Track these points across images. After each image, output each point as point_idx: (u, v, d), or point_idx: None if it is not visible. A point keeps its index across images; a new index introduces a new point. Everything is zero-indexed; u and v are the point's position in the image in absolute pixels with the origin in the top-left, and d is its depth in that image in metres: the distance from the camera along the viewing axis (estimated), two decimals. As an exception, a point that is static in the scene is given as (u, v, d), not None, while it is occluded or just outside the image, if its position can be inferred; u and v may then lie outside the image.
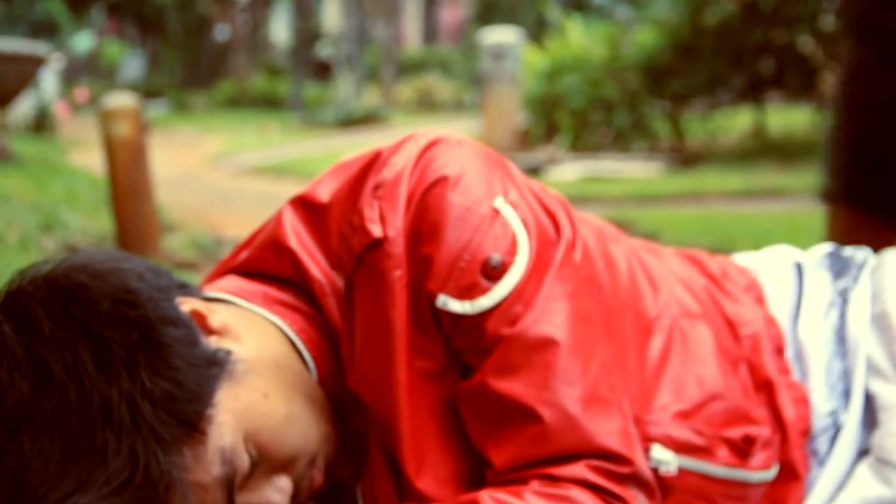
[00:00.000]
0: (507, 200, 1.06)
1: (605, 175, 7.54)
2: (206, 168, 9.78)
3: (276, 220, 1.13)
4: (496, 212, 1.05)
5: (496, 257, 1.03)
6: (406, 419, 1.04)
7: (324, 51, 21.43)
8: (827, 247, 1.38)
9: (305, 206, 1.12)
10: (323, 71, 20.10)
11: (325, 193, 1.10)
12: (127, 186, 3.43)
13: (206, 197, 6.48)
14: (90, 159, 7.07)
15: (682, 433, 1.14)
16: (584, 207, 5.58)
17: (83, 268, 0.96)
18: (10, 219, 3.53)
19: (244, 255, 1.15)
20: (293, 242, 1.10)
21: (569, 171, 7.69)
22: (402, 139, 1.11)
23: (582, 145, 8.96)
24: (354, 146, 10.77)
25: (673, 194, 6.30)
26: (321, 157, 9.39)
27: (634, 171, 7.75)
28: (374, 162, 1.08)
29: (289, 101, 18.65)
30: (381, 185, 1.05)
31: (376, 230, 1.03)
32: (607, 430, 1.02)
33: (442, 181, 1.04)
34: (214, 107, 20.11)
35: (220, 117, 17.78)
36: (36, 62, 5.30)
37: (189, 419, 0.94)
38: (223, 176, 8.94)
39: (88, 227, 3.75)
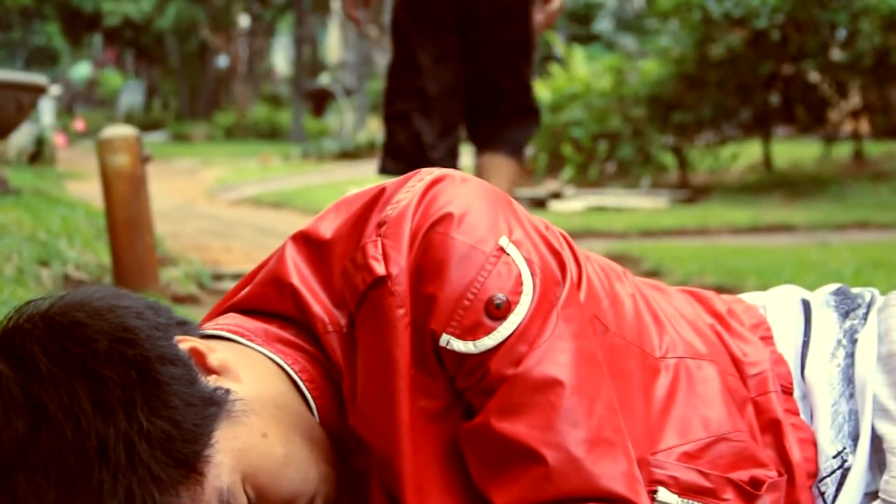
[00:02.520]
0: (511, 239, 1.05)
1: (609, 208, 7.54)
2: (206, 199, 9.80)
3: (278, 257, 1.12)
4: (501, 250, 1.04)
5: (500, 297, 1.02)
6: (408, 459, 1.03)
7: (323, 79, 21.52)
8: (834, 286, 1.37)
9: (308, 242, 1.11)
10: (322, 100, 20.18)
11: (327, 230, 1.10)
12: (125, 219, 3.41)
13: (206, 229, 6.49)
14: (88, 190, 7.08)
15: (688, 475, 1.12)
16: (589, 241, 5.58)
17: (81, 305, 0.95)
18: (6, 251, 3.53)
19: (245, 291, 1.14)
20: (295, 279, 1.09)
21: (573, 204, 7.70)
22: (406, 176, 1.10)
23: (586, 178, 8.97)
24: (356, 177, 10.81)
25: (678, 228, 6.29)
26: (322, 188, 9.40)
27: (639, 204, 7.76)
28: (377, 199, 1.07)
29: (290, 132, 18.73)
30: (385, 222, 1.04)
31: (380, 268, 1.03)
32: (612, 473, 1.01)
33: (446, 219, 1.04)
34: (214, 137, 20.20)
35: (219, 147, 17.85)
36: (35, 91, 5.32)
37: (186, 459, 0.93)
38: (223, 207, 8.96)
39: (86, 259, 3.74)
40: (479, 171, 3.59)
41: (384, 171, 3.55)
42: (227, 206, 9.10)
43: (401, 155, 3.50)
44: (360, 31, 3.81)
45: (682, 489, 1.11)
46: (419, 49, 3.43)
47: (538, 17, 3.52)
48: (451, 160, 3.49)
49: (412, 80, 3.46)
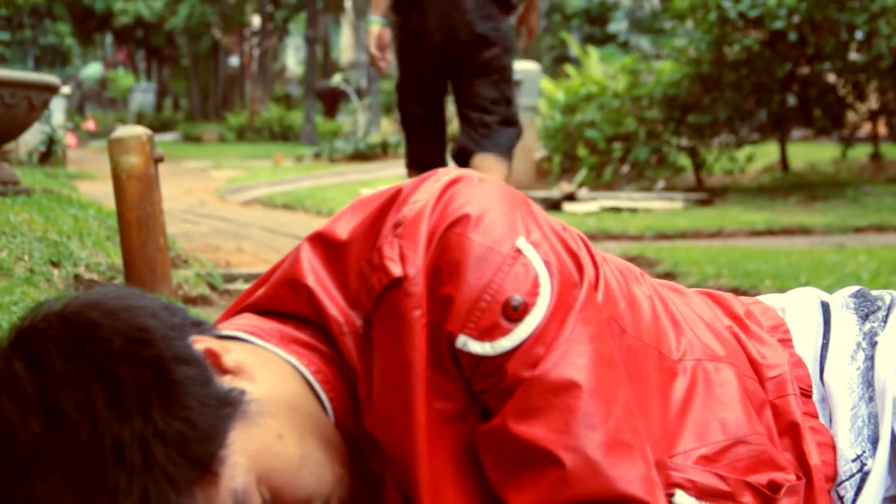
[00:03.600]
0: (529, 240, 1.05)
1: (624, 210, 7.52)
2: (217, 200, 9.81)
3: (294, 258, 1.12)
4: (518, 252, 1.03)
5: (517, 298, 1.01)
6: (424, 461, 1.02)
7: (335, 80, 21.54)
8: (853, 288, 1.36)
9: (324, 243, 1.11)
10: (334, 100, 20.21)
11: (343, 231, 1.09)
12: (137, 219, 3.40)
13: (217, 229, 6.50)
14: (99, 190, 7.10)
15: (706, 478, 1.11)
16: (603, 243, 5.57)
17: (96, 305, 0.95)
18: (17, 251, 3.54)
19: (261, 292, 1.14)
20: (310, 280, 1.09)
21: (587, 206, 7.68)
22: (422, 176, 1.09)
23: (601, 180, 8.95)
24: (368, 179, 10.81)
25: (694, 230, 6.27)
26: (334, 189, 9.41)
27: (654, 206, 7.73)
28: (394, 199, 1.07)
29: (301, 133, 18.76)
30: (402, 223, 1.04)
31: (396, 269, 1.02)
32: (629, 476, 1.00)
33: (463, 220, 1.03)
34: (225, 138, 20.26)
35: (231, 148, 17.90)
36: (47, 91, 5.33)
37: (201, 460, 0.92)
38: (234, 208, 8.97)
39: (97, 260, 3.75)
40: (475, 168, 3.86)
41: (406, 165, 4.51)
42: (239, 207, 9.11)
43: (407, 155, 4.43)
44: (382, 73, 4.50)
45: (700, 492, 1.10)
46: (410, 83, 4.26)
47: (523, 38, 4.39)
48: (436, 156, 4.32)
49: (407, 102, 4.32)
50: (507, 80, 4.22)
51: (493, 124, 4.16)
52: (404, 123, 4.41)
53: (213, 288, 3.98)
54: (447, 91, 4.33)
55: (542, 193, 7.97)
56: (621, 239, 6.05)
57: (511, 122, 4.21)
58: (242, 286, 4.06)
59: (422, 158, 4.30)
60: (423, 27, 4.11)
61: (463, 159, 4.20)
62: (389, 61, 4.27)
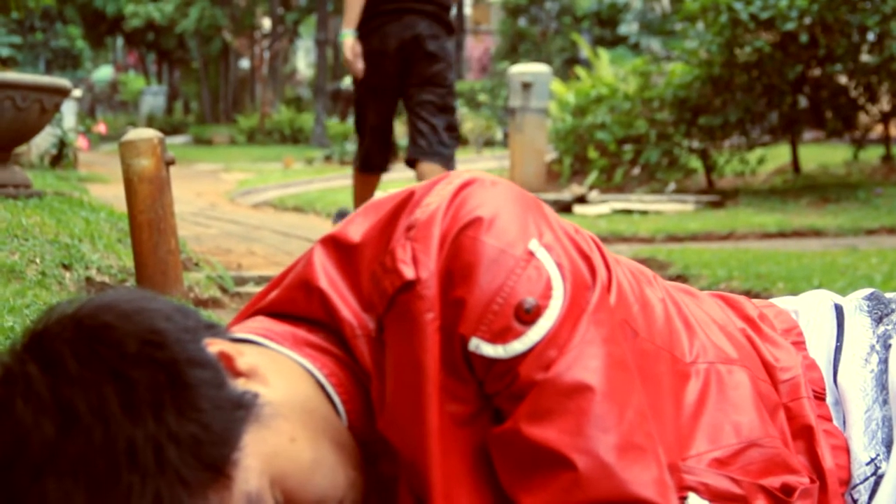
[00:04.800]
0: (541, 243, 1.05)
1: (635, 212, 7.51)
2: (228, 202, 9.83)
3: (307, 260, 1.12)
4: (530, 254, 1.03)
5: (530, 301, 1.01)
6: (437, 464, 1.02)
7: (344, 82, 21.57)
8: (867, 290, 1.35)
9: (336, 246, 1.11)
10: (346, 103, 20.22)
11: (356, 233, 1.09)
12: (148, 222, 3.40)
13: (228, 232, 6.50)
14: (110, 193, 7.12)
15: (719, 481, 1.11)
16: (615, 245, 5.56)
17: (110, 308, 0.95)
18: (29, 254, 3.54)
19: (273, 295, 1.14)
20: (323, 283, 1.09)
21: (598, 208, 7.67)
22: (435, 179, 1.09)
23: (612, 182, 8.94)
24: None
25: (705, 232, 6.26)
26: (345, 191, 9.41)
27: (665, 208, 7.72)
28: (406, 202, 1.07)
29: (312, 135, 18.76)
30: (414, 225, 1.04)
31: (409, 272, 1.02)
32: (643, 479, 1.00)
33: (476, 222, 1.03)
34: (236, 140, 20.29)
35: (241, 151, 17.91)
36: (58, 94, 5.34)
37: (215, 463, 0.92)
38: (245, 211, 8.98)
39: (109, 263, 3.75)
40: (418, 173, 4.92)
41: (353, 166, 5.21)
42: (250, 210, 9.12)
43: (357, 158, 5.13)
44: (358, 77, 5.05)
45: (713, 496, 1.10)
46: (368, 95, 4.98)
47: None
48: (380, 166, 5.10)
49: (363, 113, 5.05)
50: (452, 91, 5.02)
51: (439, 130, 4.89)
52: (361, 129, 5.08)
53: (223, 290, 3.98)
54: (398, 104, 5.07)
55: (552, 196, 7.96)
56: (632, 241, 6.04)
57: (454, 128, 5.00)
58: (253, 289, 4.06)
59: (370, 160, 5.07)
60: (383, 49, 4.83)
61: (412, 164, 4.94)
62: (362, 67, 4.89)
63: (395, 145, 5.25)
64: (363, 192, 5.23)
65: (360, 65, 4.91)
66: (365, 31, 4.92)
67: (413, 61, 4.87)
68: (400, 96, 4.98)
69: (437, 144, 4.85)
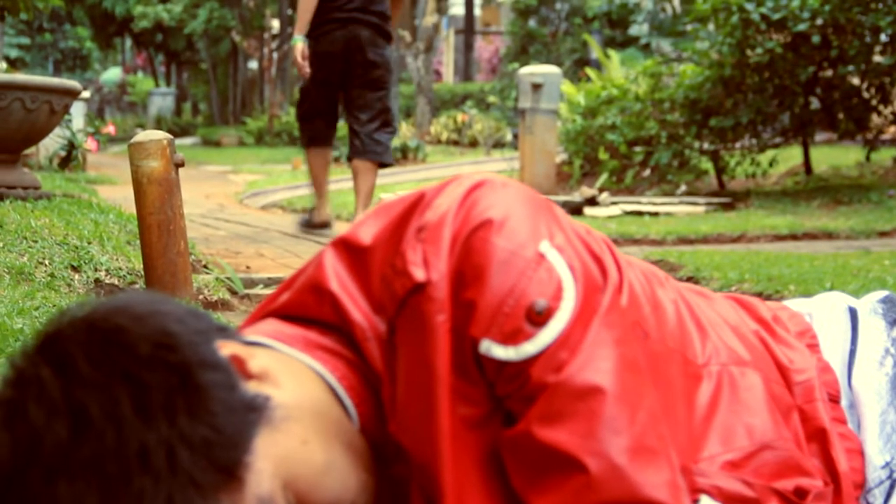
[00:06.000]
0: (552, 244, 1.04)
1: (646, 214, 7.49)
2: (236, 204, 9.82)
3: (317, 263, 1.12)
4: (541, 256, 1.03)
5: (541, 303, 1.01)
6: (448, 467, 1.02)
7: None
8: (881, 293, 1.35)
9: (347, 248, 1.11)
10: None
11: (367, 236, 1.09)
12: (158, 223, 3.40)
13: (237, 234, 6.50)
14: (118, 194, 7.13)
15: (731, 484, 1.11)
16: (625, 247, 5.54)
17: (122, 311, 0.94)
18: (38, 256, 3.55)
19: (284, 297, 1.14)
20: (334, 286, 1.09)
21: (609, 210, 7.66)
22: (445, 181, 1.09)
23: (622, 184, 8.92)
24: (387, 182, 10.77)
25: (716, 234, 6.24)
26: (353, 193, 9.38)
27: (676, 210, 7.70)
28: (417, 204, 1.07)
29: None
30: (425, 227, 1.04)
31: (419, 274, 1.02)
32: (655, 482, 1.00)
33: (486, 224, 1.03)
34: (244, 142, 20.28)
35: (250, 152, 17.91)
36: (68, 96, 5.34)
37: (227, 466, 0.92)
38: (253, 212, 8.98)
39: (118, 265, 3.76)
40: (354, 169, 5.94)
41: (301, 145, 6.31)
42: (258, 212, 9.12)
43: (305, 136, 6.13)
44: (304, 77, 6.03)
45: (726, 498, 1.09)
46: (317, 86, 5.90)
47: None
48: (329, 141, 6.11)
49: (310, 100, 5.99)
50: (388, 93, 5.93)
51: (372, 133, 5.83)
52: (308, 114, 6.03)
53: (233, 293, 3.98)
54: (340, 96, 6.01)
55: (562, 197, 7.94)
56: (642, 243, 6.03)
57: (389, 124, 5.88)
58: (262, 291, 4.06)
59: (321, 136, 6.02)
60: (331, 51, 5.77)
61: (351, 160, 5.96)
62: (309, 69, 5.81)
63: (336, 126, 6.19)
64: (318, 164, 6.11)
65: (307, 67, 5.81)
66: (316, 35, 5.81)
67: (354, 65, 5.78)
68: (342, 90, 5.92)
69: (371, 144, 5.81)
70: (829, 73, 8.04)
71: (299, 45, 5.84)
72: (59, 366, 0.91)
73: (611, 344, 1.03)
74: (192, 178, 11.23)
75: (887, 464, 1.19)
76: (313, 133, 6.04)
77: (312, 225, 6.32)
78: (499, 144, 14.12)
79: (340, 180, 11.63)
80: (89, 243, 3.84)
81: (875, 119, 8.46)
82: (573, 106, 9.75)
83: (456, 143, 15.63)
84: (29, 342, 0.96)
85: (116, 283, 3.63)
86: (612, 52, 11.77)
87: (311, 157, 6.12)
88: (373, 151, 5.83)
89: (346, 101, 5.95)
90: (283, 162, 15.30)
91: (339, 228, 6.92)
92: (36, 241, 3.69)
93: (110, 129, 12.18)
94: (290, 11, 22.80)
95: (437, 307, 1.01)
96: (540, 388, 1.00)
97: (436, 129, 16.12)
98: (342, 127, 6.41)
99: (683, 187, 8.64)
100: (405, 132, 15.84)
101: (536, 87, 8.30)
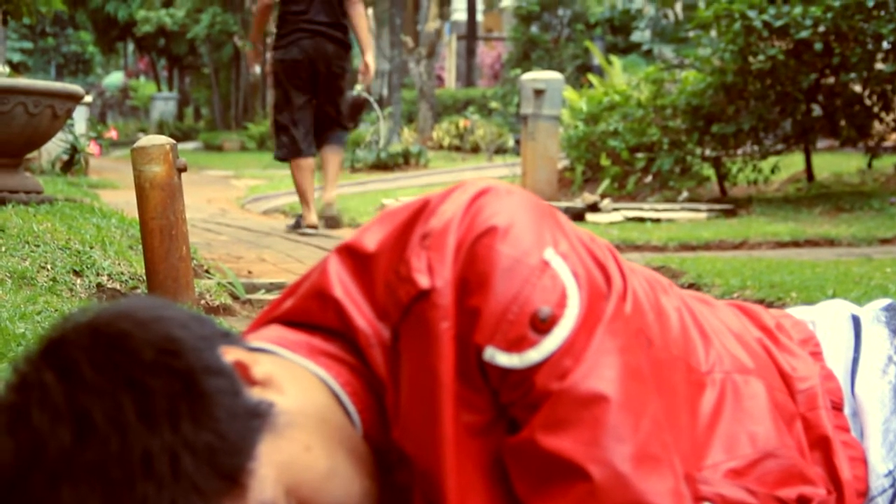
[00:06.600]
0: (557, 252, 1.04)
1: (647, 220, 7.49)
2: (238, 209, 9.82)
3: (321, 269, 1.12)
4: (546, 263, 1.03)
5: (545, 310, 1.01)
6: (452, 474, 1.01)
7: (355, 89, 21.58)
8: (884, 301, 1.35)
9: (351, 254, 1.11)
10: (356, 110, 20.19)
11: (371, 242, 1.09)
12: (160, 228, 3.39)
13: (239, 238, 6.50)
14: (121, 199, 7.13)
15: (735, 492, 1.10)
16: (627, 254, 5.54)
17: (127, 316, 0.94)
18: (40, 260, 3.54)
19: (288, 304, 1.14)
20: (338, 292, 1.09)
21: (611, 216, 7.66)
22: (450, 188, 1.09)
23: (624, 190, 8.92)
24: (389, 188, 10.75)
25: (718, 241, 6.23)
26: (355, 198, 9.39)
27: (678, 216, 7.70)
28: (421, 211, 1.07)
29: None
30: (429, 234, 1.04)
31: (424, 281, 1.02)
32: (658, 490, 0.99)
33: (491, 231, 1.03)
34: (247, 146, 20.27)
35: (252, 157, 17.88)
36: (70, 100, 5.34)
37: (230, 472, 0.92)
38: (255, 217, 8.98)
39: (120, 269, 3.75)
40: (322, 157, 6.91)
41: (277, 158, 6.88)
42: (260, 217, 9.12)
43: (285, 148, 6.68)
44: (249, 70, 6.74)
45: (729, 506, 1.09)
46: (291, 93, 6.61)
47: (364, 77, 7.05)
48: (310, 151, 6.69)
49: (288, 109, 6.63)
50: (345, 95, 6.91)
51: (337, 126, 6.83)
52: (285, 123, 6.62)
53: (234, 297, 3.98)
54: (313, 96, 6.74)
55: (564, 203, 7.94)
56: (644, 249, 6.02)
57: (345, 127, 6.98)
58: (264, 296, 4.05)
59: (302, 146, 6.59)
60: (300, 58, 6.52)
61: (318, 148, 6.82)
62: (259, 71, 7.78)
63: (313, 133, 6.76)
64: (301, 176, 6.61)
65: (257, 69, 7.52)
66: (286, 44, 6.56)
67: (320, 73, 6.56)
68: (311, 93, 6.65)
69: (334, 139, 6.84)
70: (832, 80, 8.04)
71: (249, 51, 7.24)
72: (62, 371, 0.91)
73: (615, 352, 1.03)
74: (194, 183, 11.22)
75: (890, 472, 1.19)
76: (294, 144, 6.60)
77: (300, 227, 6.85)
78: (501, 150, 14.11)
79: (342, 185, 11.65)
80: (91, 248, 3.84)
81: (877, 126, 8.45)
82: (575, 112, 9.75)
83: (458, 148, 15.62)
84: (32, 347, 0.96)
85: (118, 287, 3.63)
86: (614, 59, 11.78)
87: (294, 169, 6.67)
88: (337, 140, 6.90)
89: (315, 101, 6.74)
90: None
91: (344, 233, 6.93)
92: (38, 246, 3.69)
93: (112, 133, 12.19)
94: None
95: (441, 314, 1.01)
96: (544, 395, 1.00)
97: (438, 135, 16.13)
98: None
99: (685, 194, 8.63)
100: (407, 137, 15.83)
101: (538, 93, 8.30)
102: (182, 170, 3.45)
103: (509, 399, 1.02)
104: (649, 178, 8.92)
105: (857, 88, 8.11)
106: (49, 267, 3.54)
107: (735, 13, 7.78)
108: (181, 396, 0.91)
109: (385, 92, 20.53)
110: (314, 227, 6.68)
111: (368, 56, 6.92)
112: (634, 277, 1.14)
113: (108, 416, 0.89)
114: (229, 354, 0.99)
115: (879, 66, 7.88)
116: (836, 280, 3.97)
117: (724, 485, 1.10)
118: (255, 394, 0.98)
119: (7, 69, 8.73)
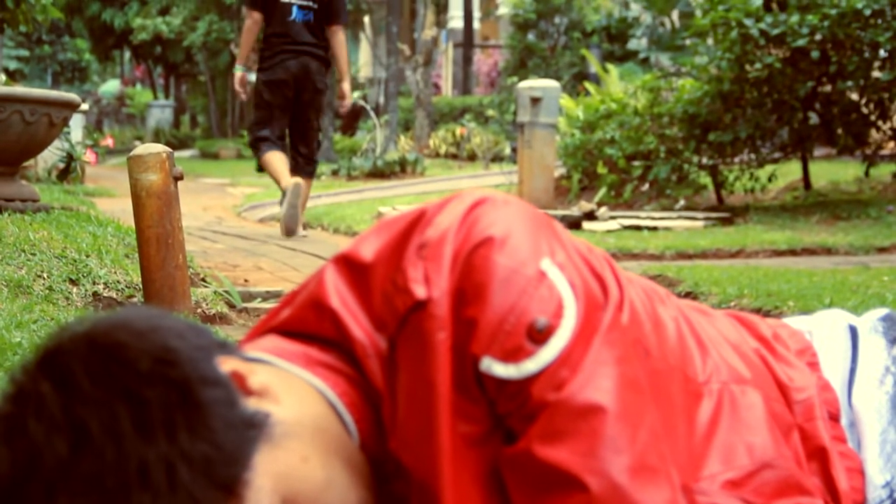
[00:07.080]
0: (553, 262, 1.04)
1: (644, 229, 7.49)
2: (235, 217, 9.81)
3: (318, 279, 1.12)
4: (542, 274, 1.03)
5: (542, 320, 1.01)
6: (449, 485, 1.01)
7: (354, 96, 21.53)
8: (882, 311, 1.35)
9: (348, 265, 1.10)
10: (353, 118, 20.17)
11: (368, 252, 1.09)
12: (156, 236, 3.39)
13: (235, 247, 6.49)
14: (117, 207, 7.12)
15: (732, 503, 1.10)
16: (624, 262, 5.54)
17: (123, 326, 0.94)
18: (36, 269, 3.54)
19: (285, 314, 1.14)
20: (335, 302, 1.09)
21: (607, 224, 7.66)
22: (447, 198, 1.09)
23: (621, 198, 8.92)
24: (386, 196, 10.75)
25: (715, 249, 6.23)
26: (353, 206, 9.38)
27: (675, 224, 7.70)
28: (418, 221, 1.07)
29: (319, 150, 18.70)
30: (426, 244, 1.04)
31: (420, 291, 1.02)
32: (655, 501, 0.99)
33: (488, 242, 1.03)
34: (243, 154, 20.25)
35: (248, 165, 17.86)
36: (67, 108, 5.34)
37: (226, 483, 0.92)
38: (252, 225, 8.97)
39: (116, 278, 3.75)
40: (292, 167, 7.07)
41: (259, 165, 7.23)
42: (256, 225, 9.11)
43: (263, 148, 6.95)
44: (244, 99, 7.66)
45: (726, 518, 1.09)
46: (275, 111, 7.00)
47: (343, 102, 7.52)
48: (284, 149, 7.04)
49: (269, 126, 7.01)
50: (322, 111, 7.44)
51: (315, 137, 7.22)
52: (270, 126, 6.99)
53: (231, 306, 3.97)
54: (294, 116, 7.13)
55: (561, 212, 7.94)
56: (641, 258, 6.02)
57: (320, 143, 7.37)
58: (260, 304, 4.05)
59: (276, 143, 6.95)
60: (284, 78, 6.90)
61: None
62: (247, 95, 7.35)
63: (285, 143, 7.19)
64: (276, 158, 6.88)
65: (244, 95, 7.33)
66: (271, 65, 6.97)
67: (303, 91, 6.95)
68: (292, 112, 7.06)
69: (305, 165, 7.13)
70: (828, 88, 8.05)
71: (238, 73, 7.30)
72: (59, 381, 0.91)
73: (612, 362, 1.02)
74: (191, 191, 11.21)
75: (887, 483, 1.19)
76: (270, 142, 6.98)
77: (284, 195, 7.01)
78: (497, 158, 14.10)
79: (339, 193, 11.65)
80: (87, 256, 3.83)
81: (874, 134, 8.46)
82: (572, 120, 9.76)
83: (454, 156, 15.62)
84: (28, 357, 0.96)
85: (115, 296, 3.63)
86: (610, 67, 11.80)
87: (269, 157, 6.93)
88: (309, 172, 7.19)
89: (291, 122, 7.14)
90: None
91: (340, 241, 6.92)
92: (34, 254, 3.68)
93: (109, 141, 12.17)
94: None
95: (437, 324, 1.01)
96: (541, 406, 1.00)
97: (434, 143, 16.12)
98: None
99: (682, 202, 8.63)
100: (403, 145, 15.81)
101: (535, 101, 8.30)
102: (178, 178, 3.45)
103: (506, 410, 1.02)
104: (646, 187, 8.92)
105: (854, 97, 8.12)
106: (45, 275, 3.54)
107: (732, 21, 7.79)
108: (177, 407, 0.91)
109: (382, 100, 20.55)
110: (291, 186, 6.76)
111: (345, 84, 7.35)
112: (631, 288, 1.14)
113: (105, 427, 0.88)
114: (226, 365, 0.99)
115: (876, 74, 7.89)
116: (834, 289, 3.97)
117: (721, 496, 1.10)
118: (252, 404, 0.98)
119: (3, 77, 8.72)
